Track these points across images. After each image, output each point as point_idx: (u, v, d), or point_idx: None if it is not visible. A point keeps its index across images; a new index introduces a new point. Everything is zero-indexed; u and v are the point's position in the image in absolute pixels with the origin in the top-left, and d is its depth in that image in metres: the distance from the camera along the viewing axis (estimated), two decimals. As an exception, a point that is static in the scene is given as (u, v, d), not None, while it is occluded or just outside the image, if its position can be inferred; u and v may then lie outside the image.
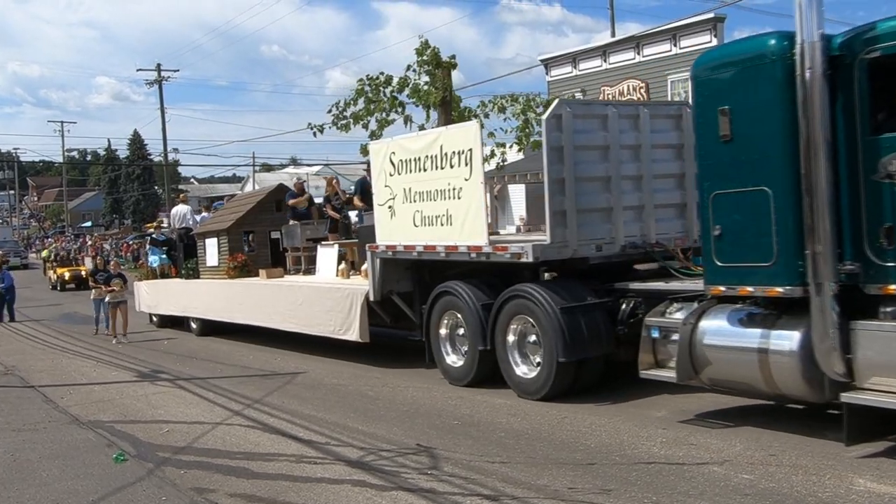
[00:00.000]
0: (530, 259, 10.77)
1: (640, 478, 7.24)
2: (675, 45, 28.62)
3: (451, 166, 11.79)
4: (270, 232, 19.19)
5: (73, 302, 34.12)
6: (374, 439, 9.12)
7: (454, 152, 11.73)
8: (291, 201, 18.21)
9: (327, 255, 16.76)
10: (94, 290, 21.66)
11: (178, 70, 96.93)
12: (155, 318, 22.78)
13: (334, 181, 17.87)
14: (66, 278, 41.05)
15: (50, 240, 76.90)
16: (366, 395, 11.82)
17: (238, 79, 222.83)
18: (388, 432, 9.43)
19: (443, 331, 12.48)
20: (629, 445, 8.33)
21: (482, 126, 11.53)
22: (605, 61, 30.87)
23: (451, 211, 11.89)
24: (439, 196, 12.07)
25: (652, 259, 11.60)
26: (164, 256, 22.72)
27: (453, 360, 12.33)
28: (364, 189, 16.19)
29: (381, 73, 15.31)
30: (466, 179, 11.55)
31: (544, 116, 10.83)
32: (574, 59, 32.45)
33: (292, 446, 9.04)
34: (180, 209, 22.10)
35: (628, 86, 31.11)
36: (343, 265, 15.91)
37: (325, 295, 14.88)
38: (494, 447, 8.54)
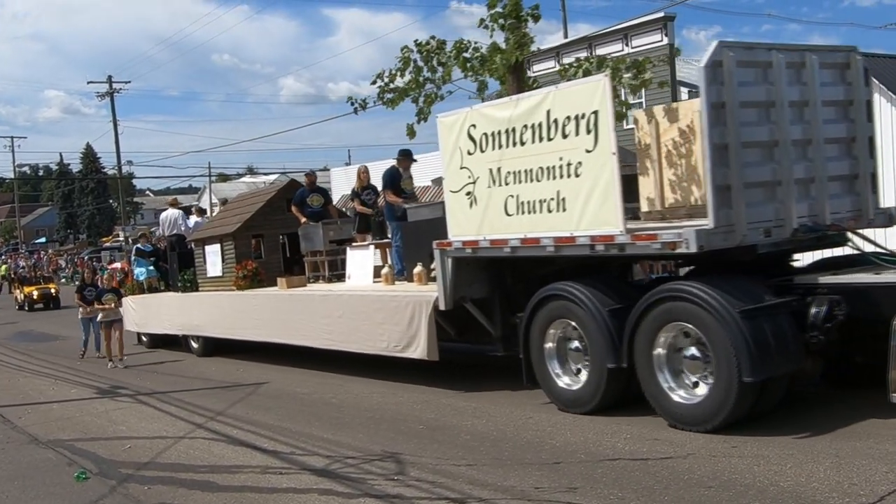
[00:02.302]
0: (692, 248, 7.93)
1: (605, 474, 7.01)
2: (626, 45, 27.53)
3: (565, 136, 8.91)
4: (281, 235, 16.08)
5: (28, 320, 32.21)
6: (340, 447, 8.67)
7: (569, 118, 8.86)
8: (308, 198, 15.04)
9: (361, 259, 13.73)
10: (80, 309, 18.22)
11: (129, 82, 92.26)
12: (145, 339, 19.42)
13: (363, 173, 14.76)
14: (35, 297, 37.08)
15: (3, 257, 72.06)
16: (330, 403, 11.21)
17: (190, 89, 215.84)
18: (353, 439, 8.97)
19: (549, 344, 9.59)
20: (594, 443, 8.02)
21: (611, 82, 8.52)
22: (558, 62, 29.90)
23: (564, 193, 9.00)
24: (545, 175, 9.18)
25: (824, 245, 8.88)
26: (151, 268, 19.38)
27: (567, 381, 9.45)
28: (394, 180, 13.20)
29: (433, 38, 12.33)
30: (589, 151, 8.68)
31: (702, 63, 7.99)
32: (528, 60, 31.02)
33: (257, 457, 8.57)
34: (170, 214, 18.70)
35: (582, 86, 29.90)
36: (386, 269, 12.89)
37: (375, 305, 11.86)
38: (460, 450, 8.18)
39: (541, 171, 9.22)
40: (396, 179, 13.41)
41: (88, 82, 62.17)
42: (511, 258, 10.10)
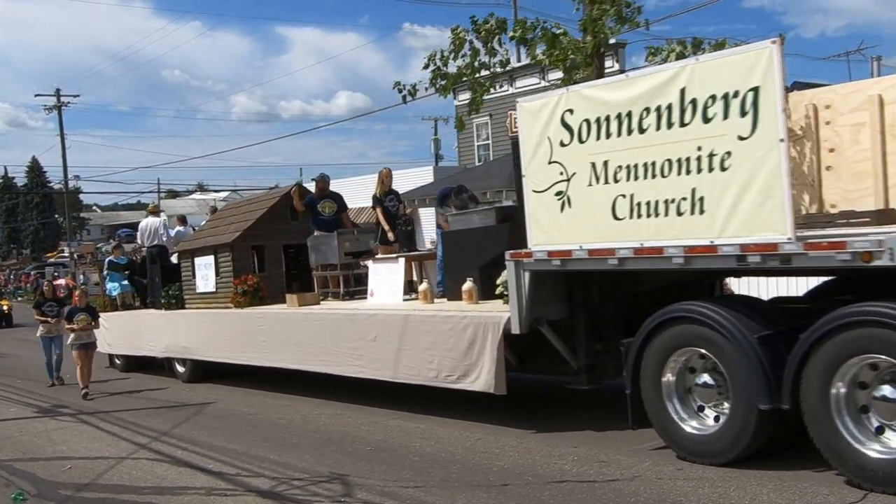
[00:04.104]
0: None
1: (552, 496, 6.76)
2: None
3: (706, 119, 6.92)
4: (285, 247, 13.76)
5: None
6: (286, 468, 8.28)
7: (713, 97, 6.87)
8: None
9: (387, 273, 11.52)
10: (41, 326, 15.53)
11: (78, 95, 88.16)
12: (118, 361, 16.81)
13: (386, 176, 12.58)
14: None
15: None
16: (277, 424, 10.64)
17: (140, 104, 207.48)
18: (300, 460, 8.56)
19: (667, 377, 7.52)
20: (542, 465, 7.72)
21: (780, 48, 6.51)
22: (511, 86, 28.87)
23: (702, 190, 7.00)
24: (675, 168, 7.17)
25: None
26: (125, 283, 16.81)
27: (695, 425, 7.38)
28: (444, 198, 11.26)
29: (491, 15, 10.23)
30: (743, 138, 6.70)
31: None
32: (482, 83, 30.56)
33: (201, 479, 8.14)
34: (150, 223, 16.16)
35: (534, 109, 30.17)
36: (425, 285, 10.72)
37: (422, 327, 9.70)
38: (408, 472, 7.84)
39: (668, 165, 7.21)
40: (446, 198, 11.64)
41: (36, 95, 58.54)
42: (604, 273, 8.09)
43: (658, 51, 10.15)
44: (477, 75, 10.41)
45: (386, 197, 12.37)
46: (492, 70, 10.42)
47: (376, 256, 12.07)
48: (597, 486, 6.95)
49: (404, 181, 27.95)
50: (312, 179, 13.68)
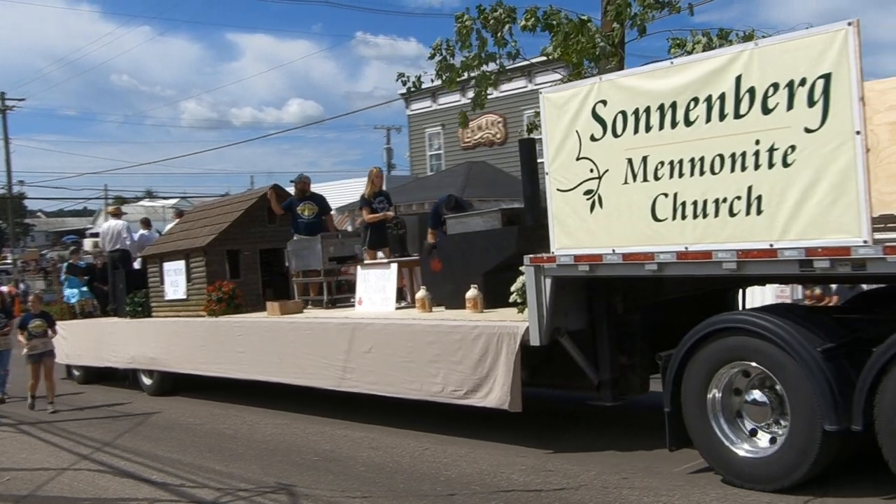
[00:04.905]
0: None
1: None
2: (530, 82, 27.71)
3: (767, 110, 6.18)
4: (262, 251, 12.72)
5: None
6: (232, 479, 8.02)
7: (775, 85, 6.14)
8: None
9: (378, 280, 10.58)
10: None
11: (23, 99, 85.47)
12: (76, 372, 15.53)
13: (377, 177, 11.65)
14: None
15: None
16: (223, 434, 10.32)
17: (87, 109, 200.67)
18: (245, 471, 8.30)
19: (713, 394, 6.73)
20: (489, 474, 7.55)
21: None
22: (463, 96, 28.36)
23: (759, 189, 6.25)
24: (728, 165, 6.42)
25: None
26: (84, 289, 15.55)
27: (747, 447, 6.61)
28: (437, 213, 10.44)
29: (500, 4, 9.35)
30: (811, 130, 5.96)
31: None
32: (433, 93, 31.64)
33: (144, 490, 7.83)
34: (113, 226, 14.88)
35: (486, 120, 30.70)
36: (423, 292, 9.80)
37: (426, 337, 8.80)
38: (355, 482, 7.62)
39: (719, 161, 6.44)
40: (439, 212, 10.89)
41: (-20, 98, 55.96)
42: (632, 280, 7.32)
43: (682, 42, 9.43)
44: (484, 67, 9.59)
45: (375, 198, 11.44)
46: (499, 61, 9.59)
47: (365, 262, 11.13)
48: (543, 495, 6.85)
49: (356, 190, 26.96)
50: (291, 181, 12.70)
